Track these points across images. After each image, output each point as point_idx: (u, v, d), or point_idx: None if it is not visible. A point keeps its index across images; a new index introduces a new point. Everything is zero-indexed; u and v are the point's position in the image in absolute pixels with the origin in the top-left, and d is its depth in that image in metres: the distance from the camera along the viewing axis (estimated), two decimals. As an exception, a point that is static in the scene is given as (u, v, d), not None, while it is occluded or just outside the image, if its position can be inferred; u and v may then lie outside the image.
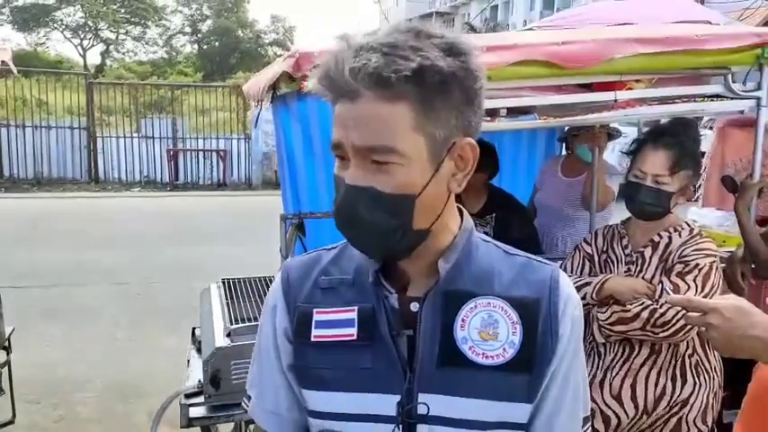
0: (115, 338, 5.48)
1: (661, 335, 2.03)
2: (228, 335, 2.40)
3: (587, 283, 2.18)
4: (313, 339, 1.02)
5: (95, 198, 13.47)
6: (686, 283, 2.02)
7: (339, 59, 0.89)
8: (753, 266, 2.56)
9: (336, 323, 1.01)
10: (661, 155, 2.08)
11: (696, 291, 2.00)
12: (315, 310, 1.03)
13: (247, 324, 2.44)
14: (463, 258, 1.01)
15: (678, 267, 2.07)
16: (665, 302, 1.99)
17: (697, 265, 2.05)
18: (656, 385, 2.13)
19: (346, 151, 0.92)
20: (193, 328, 3.02)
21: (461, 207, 1.06)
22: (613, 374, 2.18)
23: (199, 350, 2.74)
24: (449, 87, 0.90)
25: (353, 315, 1.00)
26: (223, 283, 2.98)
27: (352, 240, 1.00)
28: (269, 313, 1.09)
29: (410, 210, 0.93)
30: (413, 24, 0.93)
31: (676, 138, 2.09)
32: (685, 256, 2.08)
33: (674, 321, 1.99)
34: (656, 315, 2.02)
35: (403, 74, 0.86)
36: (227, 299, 2.76)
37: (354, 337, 1.00)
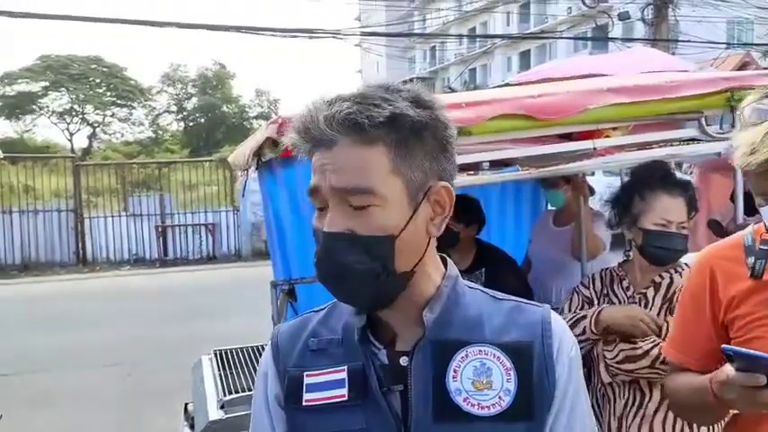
0: (106, 422, 5.32)
1: None
2: (222, 407, 2.35)
3: (583, 317, 2.16)
4: (304, 404, 1.00)
5: (84, 280, 13.32)
6: None
7: (313, 110, 0.94)
8: None
9: (327, 385, 0.99)
10: (680, 201, 2.12)
11: None
12: (305, 373, 1.01)
13: (242, 395, 2.39)
14: (451, 306, 1.00)
15: None
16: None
17: None
18: (674, 429, 2.07)
19: (323, 196, 0.94)
20: (186, 404, 2.95)
21: (445, 256, 1.06)
22: (629, 423, 2.13)
23: (192, 426, 2.67)
24: (422, 134, 0.94)
25: (344, 375, 0.99)
26: (215, 354, 2.93)
27: (336, 292, 0.99)
28: (261, 381, 1.08)
29: (390, 251, 0.94)
30: (380, 82, 0.98)
31: (684, 185, 2.15)
32: None
33: None
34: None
35: (377, 120, 0.90)
36: (219, 370, 2.71)
37: (345, 398, 0.98)
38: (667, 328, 2.06)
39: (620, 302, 2.21)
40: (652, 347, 2.03)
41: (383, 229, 0.93)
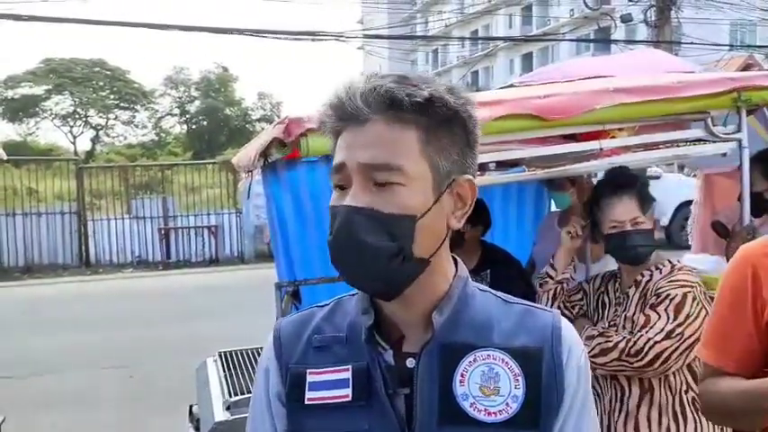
0: (108, 424, 5.32)
1: (636, 364, 2.05)
2: (228, 408, 2.34)
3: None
4: (306, 402, 0.98)
5: (87, 282, 13.33)
6: (657, 313, 2.07)
7: (350, 86, 0.93)
8: None
9: (330, 384, 0.97)
10: (627, 200, 2.18)
11: (667, 320, 2.04)
12: (308, 370, 0.99)
13: (247, 396, 2.38)
14: (460, 308, 0.98)
15: (652, 300, 2.12)
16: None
17: (668, 295, 2.09)
18: (660, 425, 2.11)
19: (348, 174, 0.93)
20: (190, 406, 2.94)
21: (456, 256, 1.04)
22: (615, 419, 2.17)
23: (197, 428, 2.67)
24: (453, 124, 0.94)
25: (348, 375, 0.97)
26: (220, 356, 2.93)
27: (348, 271, 0.96)
28: (261, 376, 1.06)
29: (410, 232, 0.92)
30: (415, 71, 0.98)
31: (630, 183, 2.21)
32: (660, 288, 2.14)
33: (646, 350, 2.03)
34: (630, 344, 2.06)
35: (416, 99, 0.90)
36: (224, 372, 2.71)
37: (349, 399, 0.96)
38: (635, 323, 2.12)
39: (609, 301, 2.29)
40: (621, 340, 2.08)
41: (405, 207, 0.92)
